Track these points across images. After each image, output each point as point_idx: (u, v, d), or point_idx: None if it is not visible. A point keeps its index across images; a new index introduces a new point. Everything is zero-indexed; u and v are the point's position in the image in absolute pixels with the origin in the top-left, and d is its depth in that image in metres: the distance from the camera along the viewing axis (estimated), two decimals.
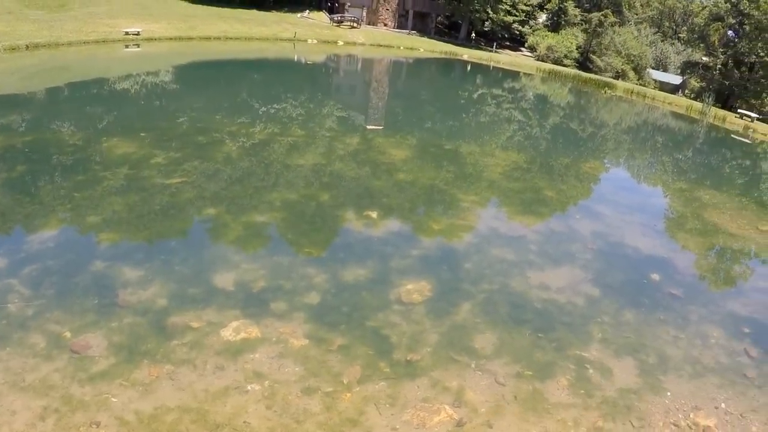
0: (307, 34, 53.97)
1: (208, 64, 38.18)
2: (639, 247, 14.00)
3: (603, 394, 8.01)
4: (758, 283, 14.02)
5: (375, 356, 7.89)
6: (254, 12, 58.97)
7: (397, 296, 9.36)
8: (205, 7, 56.24)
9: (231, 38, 46.79)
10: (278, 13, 61.55)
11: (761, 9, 70.83)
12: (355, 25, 63.25)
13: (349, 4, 67.98)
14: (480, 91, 42.54)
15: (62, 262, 9.35)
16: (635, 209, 17.98)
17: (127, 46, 37.46)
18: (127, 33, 39.28)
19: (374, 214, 12.60)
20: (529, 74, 58.66)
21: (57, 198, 11.75)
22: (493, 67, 58.73)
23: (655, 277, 12.25)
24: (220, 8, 56.91)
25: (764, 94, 69.41)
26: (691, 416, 7.94)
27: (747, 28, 75.43)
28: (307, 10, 65.76)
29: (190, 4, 56.61)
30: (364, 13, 68.33)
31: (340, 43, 55.06)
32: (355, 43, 56.07)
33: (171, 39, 42.03)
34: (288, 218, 12.16)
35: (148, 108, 22.28)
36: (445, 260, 11.03)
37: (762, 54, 73.89)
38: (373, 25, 69.21)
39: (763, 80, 73.23)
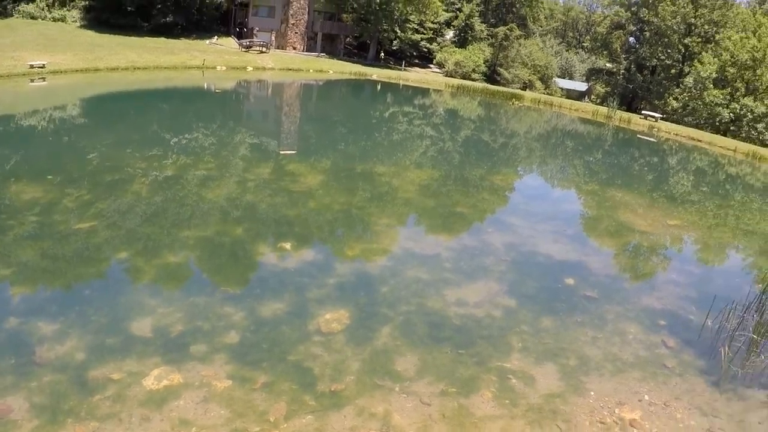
0: (216, 61, 53.55)
1: (117, 95, 37.43)
2: (552, 254, 14.55)
3: (527, 401, 8.33)
4: (670, 275, 14.81)
5: (299, 390, 7.95)
6: (162, 40, 58.09)
7: (316, 327, 9.47)
8: (111, 36, 55.11)
9: (139, 68, 45.97)
10: (186, 41, 60.80)
11: (660, 16, 74.52)
12: (264, 49, 63.08)
13: (257, 28, 67.84)
14: (391, 110, 43.10)
15: None
16: (547, 217, 18.71)
17: (32, 80, 36.38)
18: (32, 66, 38.11)
19: (288, 246, 12.66)
20: (439, 90, 59.78)
21: None
22: (402, 85, 59.60)
23: (570, 281, 12.78)
24: (127, 37, 55.85)
25: (666, 95, 72.51)
26: (616, 412, 8.35)
27: (647, 34, 79.14)
28: (216, 37, 65.17)
29: (97, 34, 55.34)
30: (273, 38, 68.27)
31: (250, 68, 54.85)
32: (264, 68, 55.96)
33: (78, 71, 41.00)
34: (202, 256, 12.10)
35: (55, 146, 21.70)
36: (362, 286, 11.21)
37: (662, 57, 77.63)
38: (282, 49, 69.16)
39: (664, 81, 76.87)
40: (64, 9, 60.57)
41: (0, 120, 25.89)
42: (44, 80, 37.11)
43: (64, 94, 35.39)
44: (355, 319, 9.89)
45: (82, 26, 58.77)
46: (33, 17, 57.54)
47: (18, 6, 57.49)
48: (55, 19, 58.55)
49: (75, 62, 42.27)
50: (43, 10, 58.92)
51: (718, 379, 9.66)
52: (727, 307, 11.47)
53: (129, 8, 59.42)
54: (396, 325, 9.89)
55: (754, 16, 73.20)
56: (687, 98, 65.56)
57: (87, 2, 62.26)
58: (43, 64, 38.75)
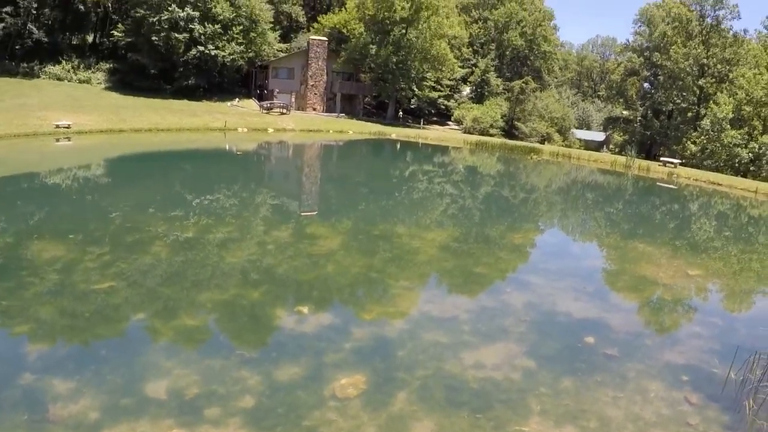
0: (237, 123, 54.53)
1: (140, 156, 38.23)
2: (572, 312, 14.37)
3: None
4: (692, 328, 14.58)
5: None
6: (185, 102, 59.47)
7: (331, 392, 9.44)
8: (135, 98, 56.62)
9: (162, 129, 47.06)
10: (208, 103, 62.17)
11: (672, 59, 74.82)
12: (284, 111, 64.19)
13: (277, 90, 69.09)
14: (411, 168, 43.42)
15: None
16: (567, 273, 18.47)
17: (57, 140, 37.43)
18: (57, 126, 39.33)
19: (306, 309, 12.70)
20: (458, 147, 60.17)
21: None
22: (421, 143, 60.14)
23: (590, 340, 12.56)
24: (151, 99, 57.31)
25: (684, 139, 72.34)
26: None
27: (661, 78, 79.42)
28: (237, 99, 66.53)
29: (121, 96, 56.94)
30: (293, 99, 69.44)
31: (270, 130, 55.75)
32: (285, 130, 56.84)
33: (102, 131, 42.15)
34: (219, 319, 12.19)
35: (78, 205, 22.19)
36: (378, 350, 11.16)
37: (678, 101, 77.74)
38: (303, 110, 70.30)
39: (682, 126, 76.87)
40: (90, 71, 62.63)
41: (25, 178, 26.58)
42: (69, 140, 38.14)
43: (88, 154, 36.25)
44: (372, 383, 9.83)
45: (106, 88, 60.59)
46: (59, 78, 59.51)
47: (45, 67, 59.51)
48: (80, 81, 60.50)
49: (99, 123, 43.45)
50: (69, 71, 60.93)
51: None
52: (750, 358, 11.25)
53: (152, 71, 61.18)
54: (413, 389, 9.81)
55: (765, 51, 73.18)
56: (705, 141, 65.37)
57: (111, 65, 64.16)
58: (69, 125, 39.91)
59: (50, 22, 62.82)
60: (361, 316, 13.00)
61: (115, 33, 63.42)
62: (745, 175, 57.80)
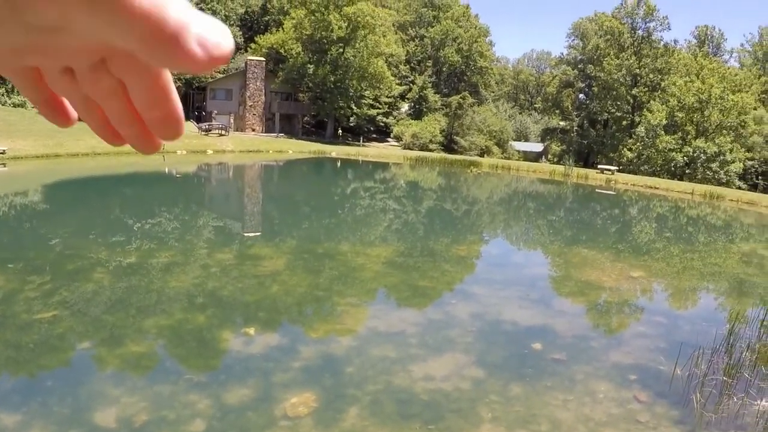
0: (176, 146, 53.89)
1: (78, 181, 37.47)
2: (517, 320, 14.47)
3: None
4: (637, 328, 14.85)
5: None
6: None
7: (282, 411, 9.28)
8: None
9: (99, 153, 46.33)
10: None
11: (606, 70, 77.02)
12: (223, 132, 63.81)
13: (216, 111, 68.61)
14: (352, 186, 43.51)
15: None
16: (512, 282, 18.72)
17: None
18: None
19: (252, 331, 12.51)
20: (398, 163, 60.64)
21: None
22: (362, 161, 60.44)
23: (537, 346, 12.64)
24: None
25: (620, 146, 74.22)
26: None
27: (596, 89, 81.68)
28: None
29: None
30: (232, 120, 69.05)
31: (210, 151, 55.31)
32: (224, 151, 56.47)
33: (38, 157, 41.32)
34: (166, 345, 11.92)
35: (16, 233, 21.59)
36: (327, 368, 11.04)
37: (613, 110, 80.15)
38: (242, 131, 69.97)
39: (617, 134, 79.19)
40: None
41: None
42: (4, 166, 37.27)
43: (25, 180, 35.40)
44: (322, 401, 9.71)
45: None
46: None
47: None
48: (14, 105, 59.27)
49: (36, 148, 42.56)
50: (2, 95, 59.52)
51: (693, 428, 9.61)
52: (695, 353, 11.53)
53: None
54: (363, 404, 9.72)
55: (695, 60, 75.96)
56: (641, 147, 67.34)
57: None
58: (4, 150, 39.06)
59: None
60: (309, 335, 12.87)
61: None
62: (681, 178, 59.56)
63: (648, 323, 15.25)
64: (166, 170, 46.51)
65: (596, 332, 14.52)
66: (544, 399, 10.24)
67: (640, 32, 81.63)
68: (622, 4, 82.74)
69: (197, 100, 73.08)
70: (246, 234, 24.09)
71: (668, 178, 58.52)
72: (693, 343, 12.39)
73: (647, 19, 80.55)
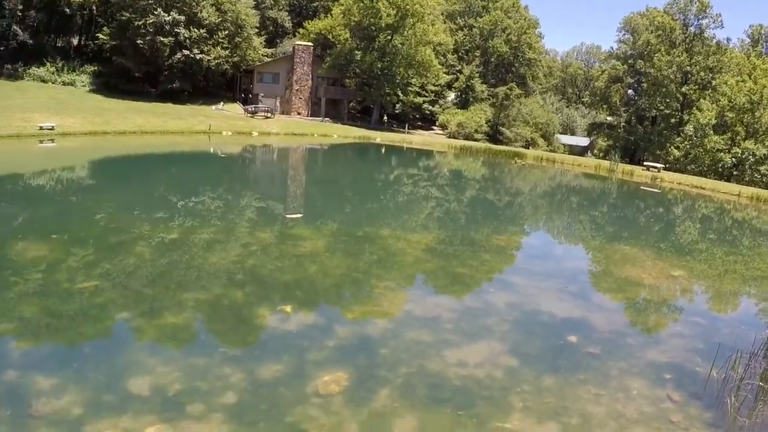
0: (222, 126, 54.45)
1: (125, 158, 38.11)
2: (555, 312, 14.37)
3: None
4: (674, 328, 14.64)
5: None
6: (169, 105, 59.31)
7: (314, 389, 9.40)
8: (119, 101, 56.43)
9: (147, 132, 46.95)
10: (193, 106, 62.01)
11: (656, 66, 75.61)
12: (269, 115, 64.17)
13: (262, 94, 69.03)
14: (396, 172, 43.48)
15: None
16: (551, 274, 18.54)
17: (41, 141, 37.29)
18: (41, 127, 39.19)
19: (289, 309, 12.65)
20: (442, 152, 60.34)
21: None
22: (406, 147, 60.26)
23: (573, 339, 12.57)
24: (135, 102, 57.16)
25: (668, 144, 72.95)
26: None
27: (645, 85, 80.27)
28: (222, 102, 66.39)
29: (105, 98, 56.73)
30: (278, 103, 69.41)
31: (255, 133, 55.68)
32: (269, 133, 56.78)
33: (86, 134, 42.04)
34: (203, 319, 12.11)
35: (62, 206, 22.13)
36: (361, 348, 11.13)
37: (661, 107, 78.63)
38: (287, 114, 70.28)
39: (665, 131, 77.71)
40: (74, 73, 62.41)
41: (9, 179, 26.43)
42: (53, 142, 37.97)
43: (72, 156, 36.12)
44: (354, 381, 9.80)
45: (91, 91, 60.45)
46: (43, 80, 59.32)
47: (29, 69, 59.24)
48: (64, 83, 60.32)
49: (84, 125, 43.32)
50: (53, 74, 60.74)
51: (726, 431, 9.48)
52: (732, 356, 11.33)
53: (137, 74, 60.99)
54: (395, 386, 9.78)
55: (748, 59, 74.22)
56: (688, 146, 66.02)
57: (96, 68, 63.90)
58: (53, 126, 39.76)
59: (35, 24, 62.61)
60: (345, 316, 12.97)
61: (100, 36, 63.22)
62: (728, 180, 58.33)
63: (686, 323, 15.03)
64: (212, 150, 47.06)
65: (633, 329, 14.35)
66: (576, 392, 10.18)
67: (692, 29, 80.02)
68: (674, 0, 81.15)
69: (244, 82, 73.59)
70: (287, 215, 24.29)
71: (715, 179, 57.36)
72: (731, 345, 12.21)
73: (700, 16, 78.90)
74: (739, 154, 59.85)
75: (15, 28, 59.08)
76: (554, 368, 11.03)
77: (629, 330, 14.22)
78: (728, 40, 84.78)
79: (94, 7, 66.44)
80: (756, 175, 58.88)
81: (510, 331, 12.84)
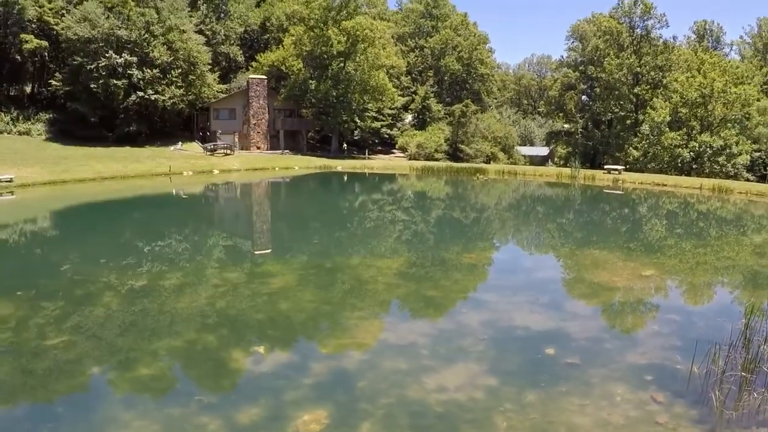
0: (182, 167, 54.15)
1: (86, 206, 37.65)
2: (530, 326, 14.32)
3: None
4: (651, 327, 14.66)
5: None
6: (127, 149, 58.99)
7: (295, 430, 9.17)
8: (77, 147, 56.02)
9: (106, 178, 46.66)
10: (152, 148, 61.69)
11: (607, 71, 76.95)
12: (228, 152, 63.96)
13: (220, 131, 68.82)
14: (360, 199, 43.51)
15: None
16: (523, 287, 18.59)
17: (0, 194, 36.57)
18: None
19: (262, 349, 12.45)
20: (404, 174, 60.64)
21: None
22: (368, 173, 60.55)
23: (550, 351, 12.47)
24: (93, 148, 56.78)
25: (626, 146, 74.00)
26: None
27: (598, 90, 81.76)
28: (180, 142, 66.07)
29: (62, 146, 56.30)
30: (236, 139, 69.23)
31: (216, 171, 55.49)
32: (230, 170, 56.65)
33: (46, 183, 41.69)
34: (177, 367, 11.88)
35: (26, 260, 21.74)
36: (339, 383, 10.94)
37: (616, 110, 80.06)
38: (247, 149, 70.13)
39: (622, 133, 79.11)
40: (29, 122, 61.94)
41: None
42: (12, 194, 37.52)
43: (33, 207, 35.62)
44: (335, 417, 9.59)
45: (47, 139, 60.07)
46: None
47: None
48: (20, 133, 59.91)
49: (42, 175, 42.87)
50: (8, 123, 60.20)
51: (714, 426, 9.44)
52: (711, 350, 11.31)
53: (93, 119, 60.55)
54: (377, 419, 9.60)
55: (695, 55, 75.73)
56: (646, 145, 67.13)
57: (51, 115, 63.39)
58: (11, 178, 39.30)
59: None
60: (320, 351, 12.79)
61: (53, 82, 62.88)
62: (689, 174, 59.32)
63: (662, 322, 15.07)
64: (174, 192, 46.63)
65: (610, 334, 14.34)
66: (560, 405, 10.08)
67: (638, 31, 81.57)
68: (619, 4, 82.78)
69: (201, 120, 73.30)
70: (256, 251, 24.07)
71: (676, 175, 58.29)
72: (709, 339, 12.18)
73: (645, 17, 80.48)
74: (697, 148, 60.89)
75: None
76: (535, 383, 10.92)
77: (606, 335, 14.19)
78: (674, 38, 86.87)
79: (45, 54, 65.92)
80: (715, 166, 59.93)
81: (486, 350, 12.73)
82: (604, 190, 48.16)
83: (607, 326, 14.95)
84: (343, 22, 69.73)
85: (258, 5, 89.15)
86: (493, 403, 10.18)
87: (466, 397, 10.39)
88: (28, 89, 71.56)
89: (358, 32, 68.80)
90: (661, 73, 78.10)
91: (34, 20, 62.81)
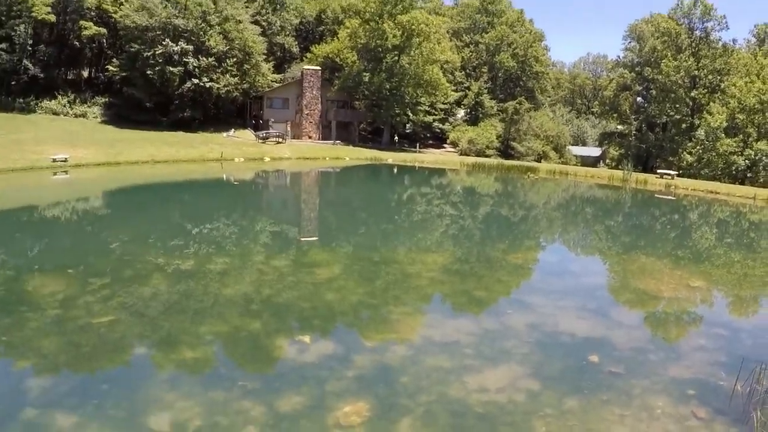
0: (234, 153, 54.73)
1: (138, 188, 38.39)
2: (575, 332, 14.19)
3: None
4: (696, 341, 14.40)
5: None
6: (180, 134, 59.85)
7: (335, 420, 9.32)
8: (131, 131, 57.06)
9: (159, 161, 47.41)
10: (204, 134, 62.50)
11: (664, 72, 75.43)
12: (280, 140, 64.47)
13: (273, 120, 69.42)
14: (409, 192, 43.50)
15: None
16: (570, 292, 18.37)
17: (55, 173, 37.66)
18: (54, 160, 39.74)
19: (307, 338, 12.60)
20: (454, 169, 60.33)
21: None
22: (418, 167, 60.33)
23: (594, 358, 12.37)
24: (147, 132, 57.76)
25: (680, 150, 72.59)
26: None
27: (653, 92, 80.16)
28: (233, 129, 66.84)
29: (117, 129, 57.39)
30: (289, 128, 69.75)
31: (267, 159, 55.93)
32: (281, 158, 57.03)
33: (99, 164, 42.55)
34: (221, 351, 12.10)
35: (77, 238, 22.28)
36: (381, 377, 11.05)
37: (671, 113, 78.41)
38: (298, 138, 70.60)
39: (677, 137, 77.50)
40: (85, 106, 63.39)
41: (24, 211, 26.64)
42: (66, 173, 38.41)
43: (86, 187, 36.45)
44: (375, 411, 9.69)
45: (102, 122, 61.36)
46: (55, 113, 60.29)
47: (41, 103, 60.12)
48: (76, 115, 61.24)
49: (96, 156, 43.83)
50: (64, 106, 61.67)
51: None
52: (757, 368, 11.11)
53: (148, 104, 61.70)
54: (417, 415, 9.67)
55: (755, 59, 73.76)
56: (701, 151, 65.82)
57: (107, 99, 64.78)
58: (66, 158, 40.25)
59: (46, 58, 63.47)
60: (364, 343, 12.90)
61: (110, 68, 64.14)
62: (742, 182, 58.07)
63: (708, 335, 14.82)
64: (224, 177, 47.27)
65: (654, 344, 14.14)
66: (600, 413, 10.03)
67: (697, 33, 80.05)
68: (678, 5, 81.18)
69: (254, 108, 74.09)
70: (303, 239, 24.30)
71: (729, 183, 57.02)
72: (755, 357, 12.00)
73: (704, 19, 78.97)
74: (753, 156, 59.59)
75: (26, 62, 59.91)
76: (577, 389, 10.87)
77: (650, 346, 14.01)
78: (734, 41, 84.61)
79: (103, 40, 67.33)
80: None
81: (530, 353, 12.69)
82: (656, 195, 47.40)
83: (652, 336, 14.76)
84: (399, 16, 69.79)
85: None
86: (533, 407, 10.16)
87: (506, 399, 10.39)
88: (85, 74, 73.28)
89: (413, 26, 68.81)
90: (719, 77, 76.48)
91: (93, 8, 64.35)
